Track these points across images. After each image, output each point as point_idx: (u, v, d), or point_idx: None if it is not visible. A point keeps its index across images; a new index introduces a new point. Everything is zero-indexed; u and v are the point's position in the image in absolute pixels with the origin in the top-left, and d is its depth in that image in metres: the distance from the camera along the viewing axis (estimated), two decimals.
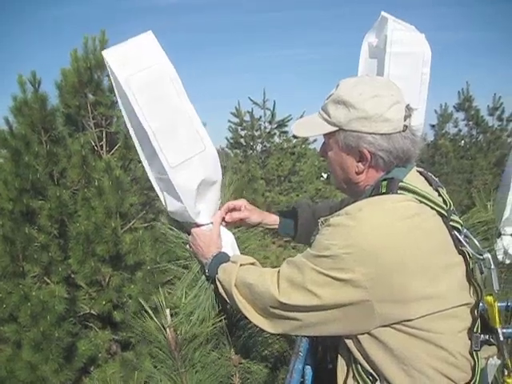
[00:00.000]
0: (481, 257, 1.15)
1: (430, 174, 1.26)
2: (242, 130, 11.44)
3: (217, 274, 1.37)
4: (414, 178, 1.19)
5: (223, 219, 1.52)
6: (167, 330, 1.50)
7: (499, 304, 1.23)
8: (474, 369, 1.12)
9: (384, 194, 1.14)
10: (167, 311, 1.50)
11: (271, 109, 11.19)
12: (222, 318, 1.55)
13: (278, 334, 1.60)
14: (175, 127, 1.37)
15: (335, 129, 1.19)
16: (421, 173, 1.24)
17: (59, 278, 4.49)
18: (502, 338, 1.18)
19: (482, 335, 1.15)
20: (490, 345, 1.21)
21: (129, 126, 1.42)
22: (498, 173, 11.70)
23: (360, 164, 1.19)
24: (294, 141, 11.21)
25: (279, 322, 1.22)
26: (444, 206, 1.15)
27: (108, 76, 5.12)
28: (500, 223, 2.67)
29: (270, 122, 11.27)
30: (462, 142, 13.86)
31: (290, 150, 11.11)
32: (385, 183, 1.15)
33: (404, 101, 1.18)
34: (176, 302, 1.53)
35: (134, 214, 5.11)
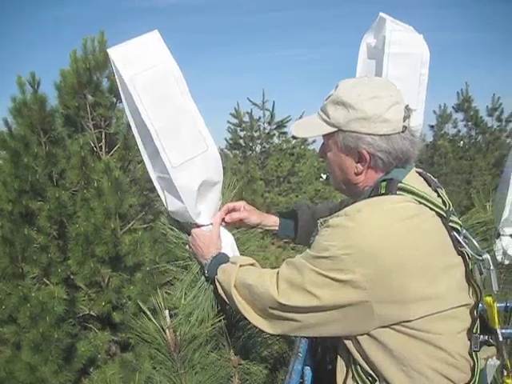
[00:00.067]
0: (480, 257, 1.15)
1: (429, 174, 1.26)
2: (241, 130, 11.45)
3: (216, 274, 1.37)
4: (413, 178, 1.19)
5: (223, 220, 1.53)
6: (166, 331, 1.50)
7: (498, 305, 1.24)
8: (473, 369, 1.12)
9: (383, 194, 1.14)
10: (166, 312, 1.50)
11: (270, 109, 11.20)
12: (222, 318, 1.55)
13: (278, 335, 1.60)
14: (178, 127, 1.38)
15: (334, 129, 1.19)
16: (420, 173, 1.24)
17: (58, 279, 4.49)
18: (501, 339, 1.18)
19: (482, 336, 1.15)
20: (489, 345, 1.21)
21: (132, 124, 1.42)
22: (497, 173, 11.71)
23: (359, 165, 1.19)
24: (294, 141, 11.22)
25: (278, 323, 1.22)
26: (443, 207, 1.16)
27: (107, 77, 5.13)
28: (499, 224, 2.68)
29: (269, 123, 11.27)
30: (461, 142, 13.87)
31: (289, 150, 11.10)
32: (384, 184, 1.15)
33: (403, 102, 1.18)
34: (175, 303, 1.53)
35: (133, 215, 5.11)
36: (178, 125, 1.37)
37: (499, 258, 2.64)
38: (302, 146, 11.43)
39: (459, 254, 1.14)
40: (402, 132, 1.16)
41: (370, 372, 1.14)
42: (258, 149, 11.42)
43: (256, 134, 11.26)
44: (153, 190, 4.81)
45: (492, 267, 1.14)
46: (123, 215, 4.77)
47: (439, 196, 1.20)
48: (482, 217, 2.37)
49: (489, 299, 1.18)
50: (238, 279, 1.28)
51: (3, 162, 4.62)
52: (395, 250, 1.06)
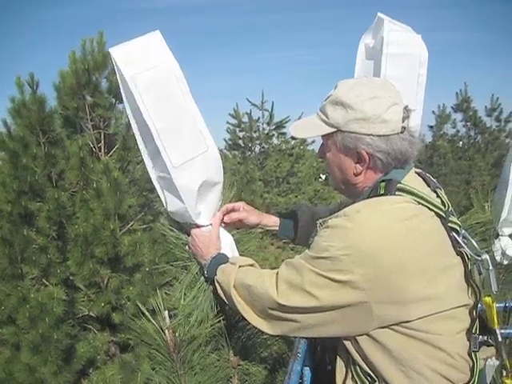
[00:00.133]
0: (479, 258, 1.15)
1: (428, 175, 1.26)
2: (240, 131, 11.45)
3: (216, 275, 1.37)
4: (412, 179, 1.19)
5: (222, 220, 1.53)
6: (166, 331, 1.49)
7: (497, 305, 1.24)
8: (472, 370, 1.12)
9: (382, 195, 1.14)
10: (165, 313, 1.50)
11: (269, 110, 11.21)
12: (221, 319, 1.55)
13: (277, 336, 1.60)
14: (179, 127, 1.38)
15: (333, 130, 1.19)
16: (419, 174, 1.24)
17: (58, 279, 4.48)
18: (500, 339, 1.18)
19: (481, 336, 1.15)
20: (488, 346, 1.21)
21: (132, 123, 1.42)
22: (496, 174, 11.71)
23: (358, 165, 1.19)
24: (293, 142, 11.23)
25: (278, 324, 1.22)
26: (442, 207, 1.16)
27: (106, 78, 5.13)
28: (498, 224, 2.67)
29: (268, 124, 11.28)
30: (460, 142, 13.87)
31: (288, 151, 11.11)
32: (383, 184, 1.15)
33: (402, 102, 1.18)
34: (175, 304, 1.53)
35: (132, 216, 5.10)
36: (178, 125, 1.38)
37: (498, 258, 2.64)
38: (301, 147, 11.44)
39: (458, 255, 1.14)
40: (401, 133, 1.16)
41: (370, 372, 1.14)
42: (257, 149, 11.43)
43: (255, 135, 11.26)
44: (152, 190, 4.81)
45: (491, 267, 1.14)
46: (122, 216, 4.76)
47: (438, 196, 1.20)
48: (480, 217, 2.37)
49: (488, 299, 1.18)
50: (238, 280, 1.28)
51: (2, 163, 4.61)
52: (394, 251, 1.06)
